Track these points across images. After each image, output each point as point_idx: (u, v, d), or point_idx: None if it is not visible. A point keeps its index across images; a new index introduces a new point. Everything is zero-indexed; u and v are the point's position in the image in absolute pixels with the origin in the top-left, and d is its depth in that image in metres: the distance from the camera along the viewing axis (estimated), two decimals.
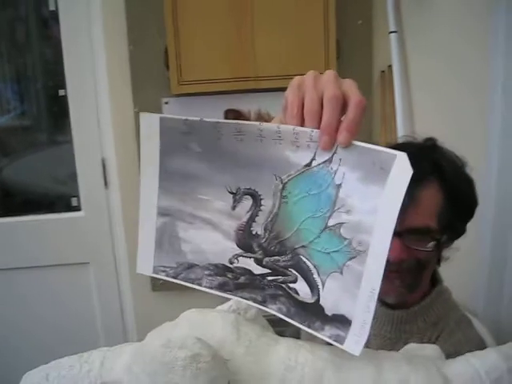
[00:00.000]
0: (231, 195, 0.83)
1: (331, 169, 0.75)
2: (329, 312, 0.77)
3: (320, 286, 0.78)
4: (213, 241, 0.86)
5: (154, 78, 2.64)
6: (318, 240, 0.78)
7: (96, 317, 3.01)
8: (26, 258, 2.95)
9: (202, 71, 2.56)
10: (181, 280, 0.88)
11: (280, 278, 0.82)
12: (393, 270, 1.26)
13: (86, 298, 2.95)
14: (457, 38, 2.34)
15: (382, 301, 1.38)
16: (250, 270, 0.85)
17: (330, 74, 0.77)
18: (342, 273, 0.76)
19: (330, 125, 0.73)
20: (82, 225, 2.93)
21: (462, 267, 1.55)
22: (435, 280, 1.42)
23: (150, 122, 0.85)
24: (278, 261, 0.82)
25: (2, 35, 2.90)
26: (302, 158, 0.77)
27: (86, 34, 2.69)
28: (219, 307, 0.92)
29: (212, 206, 0.85)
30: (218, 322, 0.82)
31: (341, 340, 0.75)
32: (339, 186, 0.75)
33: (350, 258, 0.74)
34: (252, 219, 0.83)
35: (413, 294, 1.36)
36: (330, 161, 0.75)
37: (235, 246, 0.85)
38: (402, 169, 0.69)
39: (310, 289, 0.80)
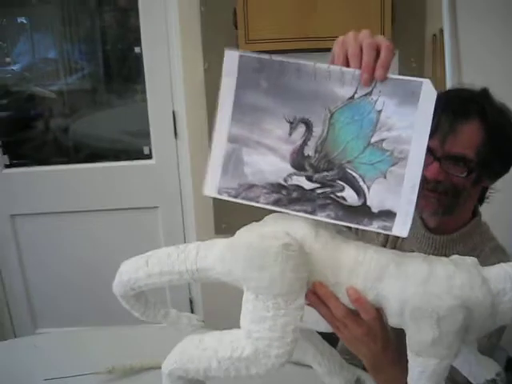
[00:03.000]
0: (289, 124, 0.98)
1: (372, 99, 0.95)
2: (375, 210, 0.95)
3: (366, 191, 0.96)
4: (271, 163, 1.00)
5: (223, 37, 2.71)
6: (362, 155, 0.96)
7: None
8: (100, 202, 3.09)
9: (268, 31, 2.66)
10: (241, 199, 1.01)
11: (328, 189, 0.97)
12: (430, 188, 1.40)
13: (153, 240, 3.06)
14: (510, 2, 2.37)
15: (424, 225, 1.52)
16: (301, 186, 0.99)
17: (365, 31, 0.98)
18: (385, 177, 0.94)
19: (368, 64, 0.94)
20: (153, 172, 3.06)
21: None
22: (475, 214, 1.53)
23: (232, 59, 0.99)
24: (327, 176, 0.97)
25: None
26: (346, 92, 0.96)
27: None
28: None
29: (273, 133, 0.99)
30: (300, 223, 0.98)
31: (388, 228, 0.95)
32: (380, 111, 0.95)
33: (393, 165, 0.94)
34: (305, 143, 0.98)
35: (450, 219, 1.46)
36: (370, 93, 0.95)
37: (289, 167, 0.99)
38: (428, 91, 0.91)
39: (357, 194, 0.96)
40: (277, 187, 0.99)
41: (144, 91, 2.95)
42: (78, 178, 3.09)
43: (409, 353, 0.94)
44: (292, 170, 0.99)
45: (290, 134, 0.98)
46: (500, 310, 0.90)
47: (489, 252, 1.47)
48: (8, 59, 3.10)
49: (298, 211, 0.99)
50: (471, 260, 0.97)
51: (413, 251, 1.49)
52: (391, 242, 1.59)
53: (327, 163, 0.97)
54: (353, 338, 1.05)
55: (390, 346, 1.09)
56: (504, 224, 1.99)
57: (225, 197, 1.02)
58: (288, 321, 0.90)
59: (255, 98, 0.99)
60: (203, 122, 2.80)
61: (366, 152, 0.95)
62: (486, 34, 2.44)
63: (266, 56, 0.99)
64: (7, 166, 3.06)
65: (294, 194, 0.98)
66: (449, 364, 0.92)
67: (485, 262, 0.98)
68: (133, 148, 3.13)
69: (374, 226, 0.96)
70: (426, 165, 1.31)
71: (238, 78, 0.99)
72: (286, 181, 0.99)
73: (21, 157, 3.10)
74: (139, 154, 3.08)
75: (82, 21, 3.06)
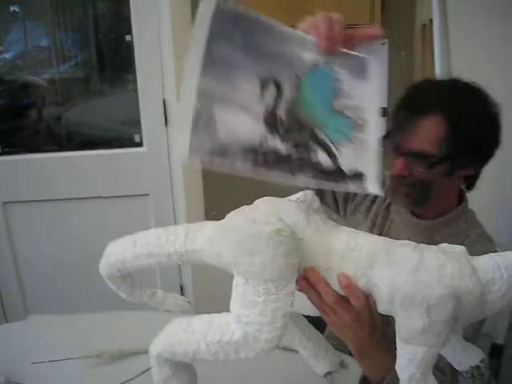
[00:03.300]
0: (260, 83, 0.95)
1: (332, 68, 1.00)
2: (349, 173, 0.99)
3: (337, 154, 0.99)
4: (244, 123, 0.94)
5: None
6: (329, 120, 0.99)
7: None
8: (91, 189, 3.07)
9: None
10: (216, 166, 0.92)
11: (303, 153, 0.98)
12: (397, 183, 1.43)
13: (144, 227, 2.96)
14: None
15: (410, 210, 1.53)
16: (277, 152, 0.95)
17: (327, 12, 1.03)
18: (351, 141, 1.00)
19: (323, 35, 0.98)
20: (144, 159, 3.04)
21: None
22: (462, 200, 1.53)
23: (208, 7, 0.91)
24: (299, 138, 0.98)
25: None
26: (311, 58, 0.99)
27: None
28: (287, 198, 1.04)
29: (245, 91, 0.94)
30: (291, 208, 0.96)
31: (363, 188, 1.00)
32: (339, 80, 1.01)
33: (356, 131, 1.01)
34: (276, 104, 0.96)
35: (432, 206, 1.48)
36: (330, 63, 1.00)
37: (263, 128, 0.95)
38: (377, 64, 1.02)
39: (330, 157, 0.99)
40: (253, 152, 0.94)
41: (135, 80, 2.92)
42: (70, 165, 3.06)
43: (398, 340, 0.93)
44: (266, 132, 0.95)
45: (262, 94, 0.95)
46: (489, 300, 0.90)
47: (474, 238, 1.47)
48: (0, 48, 3.07)
49: (278, 175, 0.96)
50: (460, 248, 0.98)
51: (399, 236, 1.52)
52: (378, 226, 1.60)
53: (298, 125, 0.98)
54: (341, 324, 1.05)
55: (376, 331, 1.10)
56: (492, 212, 2.02)
57: (199, 160, 0.92)
58: (278, 306, 0.89)
59: (228, 51, 0.93)
60: None
61: (331, 118, 1.00)
62: (475, 23, 2.43)
63: (242, 9, 0.94)
64: (0, 154, 3.04)
65: (271, 159, 0.95)
66: (437, 352, 0.91)
67: (470, 248, 0.98)
68: (124, 136, 3.11)
69: (352, 187, 1.00)
70: (394, 161, 1.42)
71: (212, 28, 0.92)
72: (261, 145, 0.95)
73: (13, 145, 3.07)
74: (130, 142, 3.05)
75: (75, 9, 3.04)
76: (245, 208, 0.98)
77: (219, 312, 1.77)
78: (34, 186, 3.07)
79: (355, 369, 1.24)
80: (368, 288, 0.94)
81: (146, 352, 1.57)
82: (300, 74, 0.98)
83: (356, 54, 1.02)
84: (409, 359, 0.92)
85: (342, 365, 1.19)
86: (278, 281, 0.89)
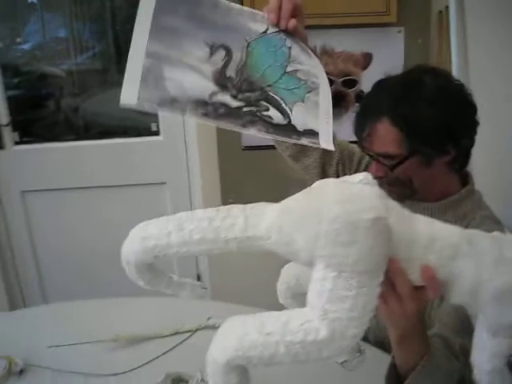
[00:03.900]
0: (208, 48, 1.02)
1: (282, 37, 1.09)
2: (300, 128, 1.03)
3: (289, 112, 1.03)
4: (194, 81, 0.98)
5: None
6: (280, 81, 1.04)
7: None
8: (108, 178, 3.05)
9: None
10: (166, 111, 0.96)
11: (254, 108, 1.01)
12: (380, 184, 1.42)
13: (161, 215, 3.00)
14: None
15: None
16: (227, 104, 0.99)
17: None
18: (303, 102, 1.06)
19: (271, 8, 1.12)
20: (160, 148, 3.01)
21: None
22: (466, 183, 1.52)
23: None
24: (250, 96, 1.01)
25: None
26: (259, 28, 1.08)
27: None
28: (346, 177, 0.94)
29: (193, 55, 1.00)
30: (366, 194, 0.85)
31: (316, 143, 1.04)
32: (290, 47, 1.10)
33: (308, 92, 1.06)
34: (226, 65, 1.01)
35: (432, 190, 1.49)
36: (279, 32, 1.10)
37: (213, 86, 0.99)
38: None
39: (282, 114, 1.03)
40: (202, 103, 0.97)
41: None
42: (88, 154, 3.03)
43: (484, 333, 0.89)
44: (216, 89, 0.99)
45: (210, 56, 1.01)
46: None
47: (479, 220, 1.45)
48: (19, 39, 3.03)
49: (228, 125, 0.98)
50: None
51: None
52: None
53: (249, 85, 1.02)
54: (400, 313, 0.98)
55: (421, 320, 1.08)
56: (500, 195, 1.99)
57: (146, 107, 0.95)
58: (369, 299, 0.81)
59: (174, 22, 1.00)
60: None
61: (283, 79, 1.05)
62: (493, 10, 2.38)
63: None
64: (17, 143, 3.00)
65: (221, 111, 0.98)
66: None
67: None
68: (141, 125, 3.06)
69: (304, 141, 1.03)
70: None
71: (157, 2, 1.00)
72: (210, 98, 0.98)
73: (31, 135, 3.05)
74: (147, 131, 3.01)
75: (92, 0, 3.00)
76: (311, 191, 0.88)
77: (235, 300, 1.77)
78: (51, 175, 3.04)
79: (372, 356, 1.24)
80: (447, 278, 0.88)
81: (160, 337, 1.59)
82: (249, 40, 1.05)
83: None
84: (495, 351, 0.88)
85: (360, 352, 1.18)
86: (372, 272, 0.82)
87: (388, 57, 2.68)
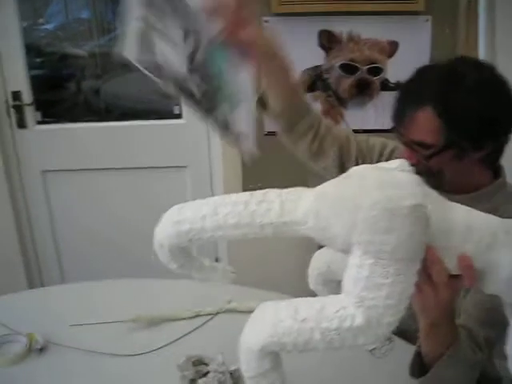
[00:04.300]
0: (184, 33, 1.12)
1: (227, 47, 1.16)
2: (236, 130, 1.15)
3: (231, 111, 1.16)
4: (173, 58, 1.13)
5: None
6: (226, 84, 1.15)
7: None
8: (129, 160, 3.06)
9: None
10: (152, 75, 1.14)
11: (208, 104, 1.17)
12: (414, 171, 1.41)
13: (181, 199, 2.95)
14: None
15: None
16: (192, 92, 1.16)
17: None
18: (238, 106, 1.15)
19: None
20: (183, 131, 3.00)
21: None
22: (498, 175, 1.49)
23: None
24: (210, 88, 1.15)
25: None
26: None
27: None
28: (382, 164, 0.94)
29: (173, 32, 1.12)
30: (404, 181, 0.84)
31: (242, 145, 1.16)
32: (231, 56, 1.15)
33: (242, 98, 1.15)
34: (195, 52, 1.13)
35: (460, 183, 1.45)
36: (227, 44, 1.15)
37: (185, 69, 1.14)
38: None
39: (226, 111, 1.17)
40: (176, 83, 1.14)
41: None
42: (109, 136, 3.03)
43: None
44: (187, 74, 1.13)
45: (185, 40, 1.11)
46: None
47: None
48: (42, 19, 3.04)
49: (193, 109, 1.17)
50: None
51: None
52: None
53: (209, 79, 1.13)
54: (434, 301, 0.98)
55: (452, 308, 1.09)
56: None
57: (140, 66, 1.13)
58: (405, 287, 0.80)
59: (159, 2, 1.12)
60: None
61: (228, 83, 1.14)
62: None
63: None
64: (39, 123, 3.02)
65: (188, 96, 1.15)
66: None
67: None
68: (163, 108, 3.05)
69: (235, 143, 1.17)
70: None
71: None
72: (183, 81, 1.14)
73: (53, 115, 3.06)
74: (169, 114, 3.00)
75: None
76: (347, 177, 0.88)
77: (255, 284, 1.77)
78: (72, 156, 3.05)
79: (400, 344, 1.23)
80: (483, 268, 0.87)
81: (181, 319, 1.59)
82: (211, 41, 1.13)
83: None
84: None
85: (389, 339, 1.17)
86: (410, 260, 0.81)
87: (414, 45, 2.66)
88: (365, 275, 0.79)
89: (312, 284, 1.12)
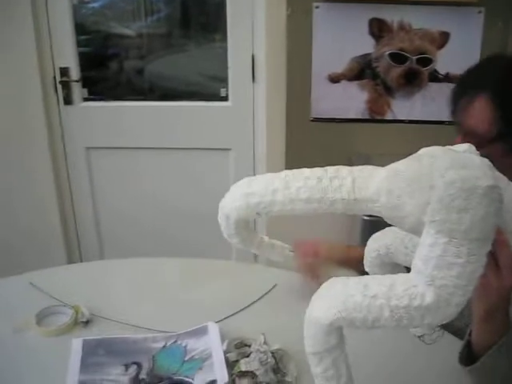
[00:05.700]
0: (124, 366, 1.35)
1: (179, 343, 1.43)
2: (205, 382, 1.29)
3: (192, 381, 1.30)
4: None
5: None
6: (182, 367, 1.35)
7: None
8: (172, 140, 3.08)
9: None
10: None
11: None
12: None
13: (223, 182, 2.91)
14: None
15: None
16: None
17: None
18: (201, 369, 1.33)
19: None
20: (228, 114, 3.01)
21: None
22: None
23: (77, 343, 1.40)
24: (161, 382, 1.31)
25: None
26: (159, 345, 1.43)
27: None
28: (450, 146, 0.92)
29: (113, 373, 1.33)
30: (478, 163, 0.83)
31: None
32: (185, 346, 1.42)
33: (203, 362, 1.35)
34: (138, 372, 1.33)
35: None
36: (175, 342, 1.44)
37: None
38: (212, 327, 1.47)
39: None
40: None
41: (222, 36, 2.88)
42: (154, 115, 3.06)
43: None
44: None
45: (126, 370, 1.33)
46: None
47: None
48: None
49: None
50: None
51: None
52: None
53: (158, 378, 1.30)
54: (497, 287, 0.98)
55: (510, 297, 1.06)
56: None
57: None
58: (476, 268, 0.79)
59: (97, 359, 1.36)
60: (282, 67, 2.74)
61: (184, 365, 1.35)
62: None
63: (101, 337, 1.43)
64: (85, 100, 3.06)
65: None
66: None
67: None
68: (209, 90, 3.08)
69: None
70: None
71: (83, 352, 1.38)
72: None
73: (97, 93, 3.10)
74: (215, 97, 3.02)
75: None
76: (419, 157, 0.87)
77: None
78: (116, 134, 3.10)
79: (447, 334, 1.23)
80: None
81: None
82: (153, 353, 1.39)
83: (197, 327, 1.47)
84: None
85: (439, 326, 1.16)
86: (483, 240, 0.80)
87: (465, 37, 2.65)
88: (437, 254, 0.79)
89: (367, 266, 1.12)
